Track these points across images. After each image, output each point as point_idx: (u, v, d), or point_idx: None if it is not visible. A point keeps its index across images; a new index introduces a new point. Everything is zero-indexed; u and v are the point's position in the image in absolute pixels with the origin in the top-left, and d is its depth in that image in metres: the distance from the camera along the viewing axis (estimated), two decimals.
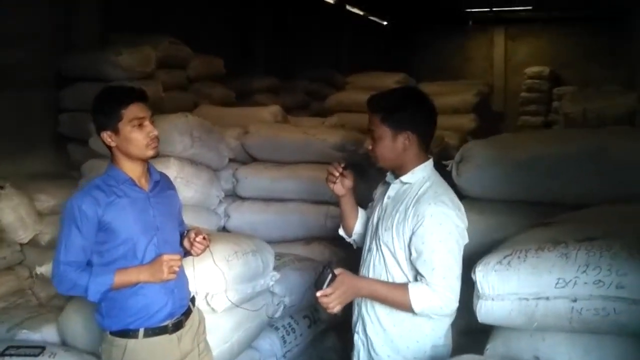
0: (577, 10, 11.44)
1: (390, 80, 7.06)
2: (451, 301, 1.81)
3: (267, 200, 3.89)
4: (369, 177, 3.85)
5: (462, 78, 12.55)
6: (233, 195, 4.01)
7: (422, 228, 1.82)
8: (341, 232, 2.28)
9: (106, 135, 1.99)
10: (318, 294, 1.78)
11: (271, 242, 3.15)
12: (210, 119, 4.01)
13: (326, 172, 2.10)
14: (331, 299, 1.77)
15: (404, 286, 1.85)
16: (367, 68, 8.34)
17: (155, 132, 1.99)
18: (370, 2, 11.53)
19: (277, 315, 2.87)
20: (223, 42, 7.22)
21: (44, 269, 2.96)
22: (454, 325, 2.00)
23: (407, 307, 1.82)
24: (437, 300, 1.79)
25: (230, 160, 3.97)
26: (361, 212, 2.23)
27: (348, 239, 2.28)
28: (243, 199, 3.98)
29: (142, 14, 5.92)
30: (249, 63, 8.11)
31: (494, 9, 12.32)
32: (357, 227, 2.21)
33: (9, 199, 3.96)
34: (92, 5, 5.31)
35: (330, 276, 1.77)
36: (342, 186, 2.08)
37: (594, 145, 2.27)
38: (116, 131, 1.97)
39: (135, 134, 1.96)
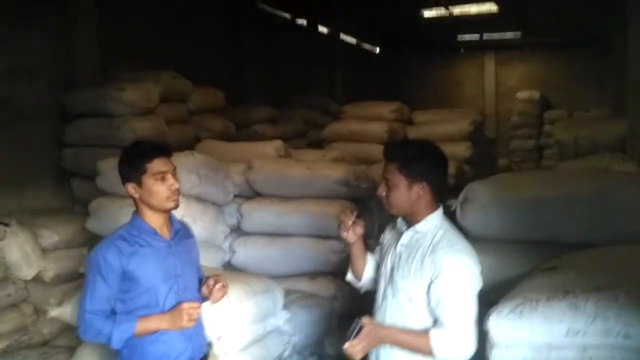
0: (564, 36, 11.72)
1: (386, 110, 7.21)
2: (471, 345, 1.89)
3: (272, 235, 3.96)
4: (371, 210, 3.95)
5: (453, 103, 12.80)
6: (238, 230, 4.08)
7: (440, 277, 1.90)
8: (349, 277, 2.34)
9: (130, 187, 2.07)
10: (346, 345, 1.86)
11: (277, 277, 3.23)
12: (213, 154, 4.09)
13: (338, 217, 2.18)
14: (357, 350, 1.87)
15: (425, 334, 1.92)
16: (362, 95, 8.50)
17: (177, 186, 2.08)
18: (362, 30, 11.76)
19: (287, 354, 2.92)
20: (217, 73, 7.33)
21: (57, 312, 2.99)
22: None
23: (429, 353, 1.91)
24: (458, 346, 1.88)
25: (235, 195, 4.04)
26: (370, 257, 2.29)
27: (357, 284, 2.34)
28: (248, 234, 4.04)
29: (139, 49, 6.02)
30: (244, 93, 8.22)
31: (484, 36, 12.59)
32: (368, 272, 2.28)
33: (14, 236, 4.00)
34: (92, 39, 5.40)
35: (358, 328, 1.87)
36: (353, 234, 2.14)
37: (595, 189, 2.37)
38: (140, 183, 2.06)
39: (158, 186, 2.05)
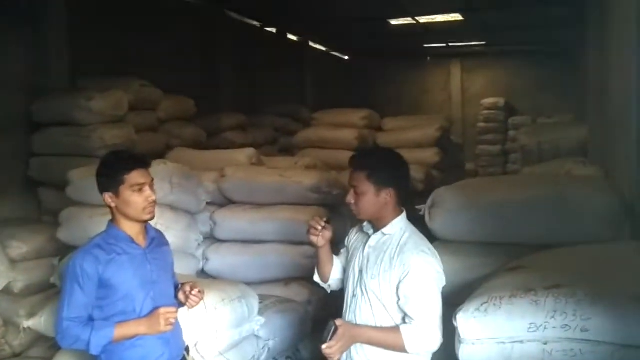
0: (527, 44, 12.08)
1: (356, 117, 7.32)
2: (438, 338, 2.02)
3: (245, 242, 3.98)
4: (342, 215, 4.02)
5: (421, 109, 13.02)
6: (211, 238, 4.09)
7: (409, 276, 2.02)
8: (316, 278, 2.44)
9: (107, 197, 2.10)
10: (323, 346, 1.96)
11: (251, 283, 3.26)
12: (185, 162, 4.09)
13: (308, 223, 2.24)
14: (334, 350, 1.97)
15: (396, 330, 2.03)
16: (332, 102, 8.60)
17: (154, 197, 2.11)
18: (331, 38, 11.89)
19: (262, 358, 2.96)
20: (188, 81, 7.32)
21: (32, 323, 2.97)
22: None
23: (401, 348, 2.01)
24: (426, 339, 2.00)
25: (207, 203, 4.05)
26: (336, 259, 2.39)
27: (323, 285, 2.44)
28: (221, 241, 4.06)
29: (107, 57, 5.98)
30: (214, 100, 8.22)
31: (450, 44, 12.87)
32: (334, 273, 2.38)
33: None
34: (60, 49, 5.36)
35: (332, 329, 1.96)
36: (322, 238, 2.23)
37: (555, 193, 2.50)
38: (117, 194, 2.08)
39: (135, 197, 2.08)
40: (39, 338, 3.87)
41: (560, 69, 11.39)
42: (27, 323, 3.02)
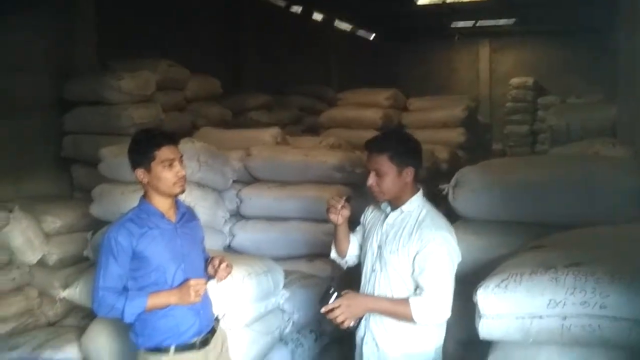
0: (558, 23, 11.79)
1: (381, 97, 7.29)
2: (446, 310, 2.10)
3: (271, 219, 4.06)
4: (365, 193, 4.06)
5: (448, 89, 12.87)
6: (237, 215, 4.18)
7: (425, 250, 2.11)
8: (333, 254, 2.52)
9: (139, 173, 2.19)
10: (322, 310, 2.06)
11: (276, 259, 3.33)
12: (211, 141, 4.17)
13: (327, 201, 2.33)
14: (337, 313, 2.06)
15: (405, 300, 2.12)
16: (357, 82, 8.55)
17: (183, 172, 2.20)
18: (358, 17, 11.79)
19: (287, 331, 3.05)
20: (214, 61, 7.38)
21: (67, 293, 3.10)
22: (452, 336, 2.27)
23: (408, 318, 2.10)
24: (433, 311, 2.09)
25: (234, 181, 4.14)
26: (352, 236, 2.47)
27: (339, 261, 2.52)
28: (247, 218, 4.14)
29: (135, 38, 6.07)
30: (240, 80, 8.27)
31: (478, 23, 12.65)
32: (351, 250, 2.46)
33: (17, 221, 4.08)
34: (89, 30, 5.45)
35: (334, 296, 2.05)
36: (341, 216, 2.30)
37: (580, 173, 2.50)
38: (149, 170, 2.17)
39: (165, 173, 2.17)
40: (72, 308, 4.04)
41: (590, 49, 11.12)
42: (63, 293, 3.16)
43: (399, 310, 2.11)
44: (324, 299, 2.07)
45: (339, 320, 2.07)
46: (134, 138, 2.25)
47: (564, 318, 1.73)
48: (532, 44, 13.35)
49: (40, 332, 3.22)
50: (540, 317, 1.76)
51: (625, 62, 5.13)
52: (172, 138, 2.23)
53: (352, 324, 2.11)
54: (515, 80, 12.92)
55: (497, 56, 14.01)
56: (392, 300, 2.16)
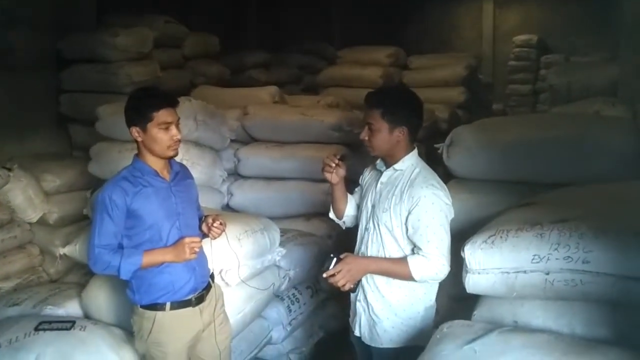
0: None
1: (382, 54, 7.20)
2: (444, 267, 2.11)
3: (268, 178, 4.09)
4: (363, 153, 4.07)
5: (450, 46, 12.65)
6: (235, 174, 4.21)
7: (417, 208, 2.10)
8: (331, 214, 2.53)
9: (134, 131, 2.19)
10: (324, 275, 2.09)
11: (273, 218, 3.37)
12: (209, 100, 4.16)
13: (322, 160, 2.32)
14: (338, 278, 2.08)
15: (403, 259, 2.13)
16: (358, 39, 8.42)
17: (179, 136, 2.20)
18: None
19: (283, 287, 3.12)
20: (214, 18, 7.27)
21: (67, 250, 3.15)
22: (445, 292, 2.30)
23: (408, 277, 2.12)
24: (432, 268, 2.09)
25: (231, 140, 4.15)
26: (350, 197, 2.47)
27: (338, 221, 2.53)
28: (245, 177, 4.17)
29: None
30: (240, 38, 8.16)
31: None
32: (349, 210, 2.46)
33: (17, 180, 4.12)
34: None
35: (334, 261, 2.07)
36: (336, 175, 2.31)
37: (576, 133, 2.50)
38: (144, 129, 2.17)
39: (161, 135, 2.17)
40: (73, 266, 4.11)
41: (599, 6, 10.84)
42: (63, 250, 3.21)
43: (398, 270, 2.12)
44: (326, 267, 2.09)
45: (340, 283, 2.08)
46: (133, 95, 2.23)
47: (547, 273, 1.76)
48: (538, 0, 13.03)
49: (42, 288, 3.27)
50: (525, 271, 1.80)
51: (627, 20, 5.04)
52: (171, 100, 2.21)
53: (352, 286, 2.13)
54: (518, 38, 12.68)
55: (501, 12, 13.68)
56: (391, 260, 2.16)
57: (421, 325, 2.19)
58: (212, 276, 2.44)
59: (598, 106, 4.44)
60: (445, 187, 2.20)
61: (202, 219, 2.39)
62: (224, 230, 2.32)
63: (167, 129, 2.17)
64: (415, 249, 2.14)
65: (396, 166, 2.22)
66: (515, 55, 12.63)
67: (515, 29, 13.14)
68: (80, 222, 4.23)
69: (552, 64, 10.41)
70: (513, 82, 12.60)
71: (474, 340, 1.71)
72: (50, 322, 2.62)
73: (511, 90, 12.56)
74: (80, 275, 3.90)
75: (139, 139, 2.19)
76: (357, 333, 2.33)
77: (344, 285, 2.09)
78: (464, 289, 2.00)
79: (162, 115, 2.16)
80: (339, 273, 2.07)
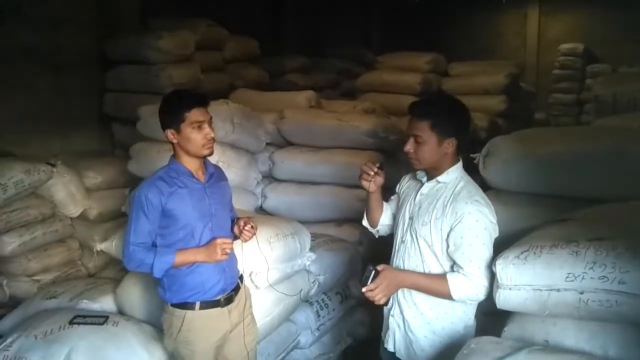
0: None
1: (421, 61, 7.13)
2: (485, 288, 2.02)
3: (302, 182, 4.10)
4: (397, 161, 4.04)
5: (493, 54, 12.42)
6: (269, 177, 4.24)
7: (460, 224, 2.00)
8: (365, 222, 2.47)
9: (169, 133, 2.23)
10: (363, 289, 2.01)
11: (305, 222, 3.39)
12: (247, 103, 4.21)
13: (360, 167, 2.25)
14: (376, 293, 2.00)
15: (442, 277, 2.05)
16: (398, 45, 8.35)
17: (212, 135, 2.23)
18: None
19: (312, 292, 3.12)
20: (253, 22, 7.35)
21: (104, 246, 3.24)
22: (481, 309, 2.21)
23: (446, 295, 2.04)
24: (473, 288, 2.01)
25: (267, 143, 4.18)
26: (385, 205, 2.40)
27: (371, 229, 2.47)
28: (279, 181, 4.20)
29: None
30: (279, 42, 8.22)
31: None
32: (384, 219, 2.40)
33: (60, 175, 4.26)
34: None
35: (373, 273, 2.00)
36: (374, 184, 2.24)
37: (614, 147, 2.41)
38: (178, 131, 2.21)
39: (195, 135, 2.20)
40: (110, 261, 4.23)
41: None
42: (100, 246, 3.30)
43: (436, 287, 2.04)
44: (364, 280, 2.02)
45: (377, 298, 2.01)
46: (165, 99, 2.28)
47: (582, 292, 1.70)
48: (586, 8, 12.65)
49: (79, 282, 3.37)
50: (558, 290, 1.75)
51: None
52: (202, 100, 2.25)
53: (386, 300, 2.06)
54: (564, 46, 12.37)
55: (547, 20, 13.36)
56: (429, 276, 2.08)
57: (461, 344, 2.05)
58: (241, 278, 2.46)
59: None
60: (490, 204, 2.09)
61: (234, 221, 2.42)
62: (254, 234, 2.34)
63: (200, 127, 2.20)
64: (455, 266, 2.04)
65: (439, 178, 2.11)
66: (560, 63, 12.32)
67: (561, 37, 12.81)
68: (119, 219, 4.34)
69: (599, 74, 10.11)
70: (557, 91, 12.29)
71: (502, 358, 1.67)
72: (84, 317, 2.69)
73: (554, 100, 12.26)
74: (116, 271, 4.00)
75: (174, 141, 2.24)
76: (390, 348, 2.25)
77: (379, 300, 2.02)
78: (494, 303, 1.95)
79: (194, 114, 2.19)
80: (377, 288, 2.00)
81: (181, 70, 5.13)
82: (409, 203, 2.22)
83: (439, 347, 2.12)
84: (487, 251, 2.01)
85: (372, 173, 2.21)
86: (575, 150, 2.48)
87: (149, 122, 3.83)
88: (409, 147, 2.10)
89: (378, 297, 2.01)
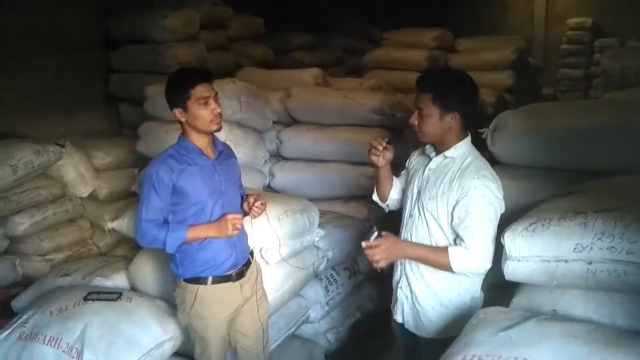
0: None
1: (428, 37, 7.06)
2: (486, 262, 2.04)
3: (309, 161, 4.12)
4: (406, 138, 4.04)
5: (500, 29, 12.26)
6: (277, 156, 4.26)
7: (466, 199, 2.02)
8: (375, 197, 2.50)
9: (177, 112, 2.25)
10: (364, 244, 2.05)
11: (313, 200, 3.41)
12: (253, 81, 4.19)
13: (370, 143, 2.27)
14: (376, 252, 2.04)
15: (444, 249, 2.08)
16: (404, 21, 8.27)
17: (219, 110, 2.25)
18: None
19: (322, 268, 3.16)
20: (258, 2, 7.28)
21: (116, 224, 3.28)
22: (485, 280, 2.24)
23: (447, 268, 2.07)
24: (474, 262, 2.03)
25: (274, 122, 4.19)
26: (395, 180, 2.43)
27: (382, 204, 2.50)
28: (287, 159, 4.21)
29: None
30: (285, 20, 8.14)
31: None
32: (393, 194, 2.43)
33: (70, 156, 4.30)
34: None
35: (376, 234, 2.04)
36: (383, 159, 2.26)
37: (622, 121, 2.40)
38: (185, 109, 2.23)
39: (202, 111, 2.22)
40: (122, 240, 4.28)
41: None
42: (112, 225, 3.34)
43: (437, 259, 2.08)
44: (366, 237, 2.07)
45: (376, 258, 2.04)
46: (170, 78, 2.29)
47: (590, 263, 1.72)
48: None
49: (92, 261, 3.42)
50: (566, 261, 1.76)
51: None
52: (205, 76, 2.26)
53: (385, 265, 2.08)
54: (572, 21, 12.19)
55: None
56: (431, 248, 2.11)
57: (469, 315, 2.07)
58: (251, 254, 2.50)
59: None
60: (498, 179, 2.10)
61: (244, 198, 2.45)
62: (264, 211, 2.37)
63: (206, 103, 2.22)
64: (458, 239, 2.07)
65: (447, 153, 2.13)
66: (569, 38, 12.15)
67: (569, 11, 12.62)
68: (129, 199, 4.39)
69: (607, 48, 9.99)
70: (565, 67, 12.16)
71: (510, 327, 1.69)
72: (98, 293, 2.74)
73: (562, 75, 12.13)
74: (128, 249, 4.05)
75: (183, 120, 2.26)
76: (399, 320, 2.30)
77: (378, 262, 2.05)
78: (503, 277, 1.97)
79: (199, 91, 2.21)
80: (377, 247, 2.03)
81: (186, 49, 5.11)
82: (417, 178, 2.24)
83: (447, 318, 2.16)
84: (491, 226, 2.03)
85: (381, 148, 2.23)
86: (584, 124, 2.48)
87: (156, 102, 3.83)
88: (414, 119, 2.13)
89: (377, 257, 2.04)
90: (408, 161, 2.40)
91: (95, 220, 4.54)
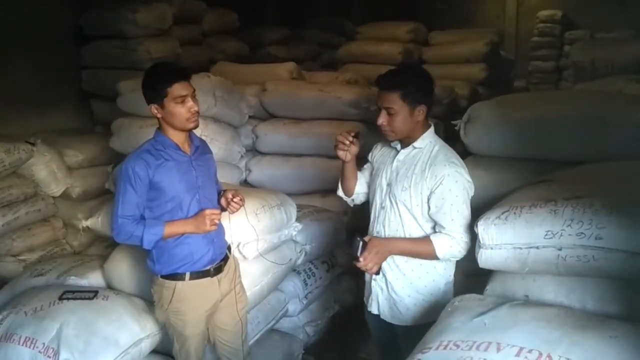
0: None
1: (401, 30, 7.10)
2: (467, 244, 2.12)
3: (286, 155, 4.12)
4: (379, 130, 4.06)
5: (473, 22, 12.40)
6: (253, 150, 4.25)
7: (441, 186, 2.09)
8: (340, 192, 2.52)
9: (153, 108, 2.23)
10: (356, 263, 2.08)
11: (290, 194, 3.41)
12: (227, 76, 4.18)
13: (335, 138, 2.27)
14: (367, 263, 2.08)
15: (426, 239, 2.14)
16: (378, 14, 8.29)
17: (196, 108, 2.23)
18: None
19: (300, 261, 3.17)
20: None
21: (90, 222, 3.24)
22: (460, 268, 2.31)
23: (432, 256, 2.13)
24: (456, 246, 2.11)
25: (250, 116, 4.17)
26: (359, 174, 2.45)
27: (346, 199, 2.52)
28: (262, 154, 4.21)
29: None
30: (259, 14, 8.09)
31: None
32: (358, 188, 2.45)
33: (41, 154, 4.22)
34: None
35: (361, 244, 2.06)
36: (349, 153, 2.28)
37: (593, 110, 2.46)
38: (162, 105, 2.21)
39: (178, 109, 2.20)
40: (96, 238, 4.23)
41: None
42: (86, 222, 3.29)
43: (421, 250, 2.13)
44: (353, 251, 2.08)
45: (369, 267, 2.07)
46: (146, 73, 2.26)
47: (560, 249, 1.77)
48: None
49: (66, 260, 3.36)
50: (537, 247, 1.81)
51: None
52: (184, 73, 2.23)
53: (378, 269, 2.13)
54: (542, 13, 12.40)
55: None
56: (414, 240, 2.16)
57: (443, 300, 2.18)
58: (229, 248, 2.50)
59: (621, 84, 4.36)
60: (464, 164, 2.18)
61: (220, 194, 2.44)
62: (242, 206, 2.37)
63: (183, 102, 2.20)
64: (437, 227, 2.13)
65: (415, 144, 2.18)
66: (539, 31, 12.35)
67: (539, 4, 12.82)
68: (102, 197, 4.33)
69: (576, 40, 10.17)
70: (536, 59, 12.35)
71: (484, 313, 1.73)
72: (73, 292, 2.71)
73: (534, 67, 12.32)
74: (103, 247, 4.00)
75: (159, 115, 2.24)
76: (374, 311, 2.33)
77: (371, 269, 2.09)
78: (477, 265, 2.02)
79: (176, 89, 2.19)
80: (368, 258, 2.06)
81: (159, 44, 5.05)
82: (384, 170, 2.27)
83: (422, 304, 2.22)
84: (467, 209, 2.12)
85: (348, 142, 2.24)
86: (555, 114, 2.53)
87: (129, 97, 3.79)
88: (382, 119, 2.14)
89: (370, 266, 2.08)
90: (370, 154, 2.43)
91: (68, 219, 4.47)
